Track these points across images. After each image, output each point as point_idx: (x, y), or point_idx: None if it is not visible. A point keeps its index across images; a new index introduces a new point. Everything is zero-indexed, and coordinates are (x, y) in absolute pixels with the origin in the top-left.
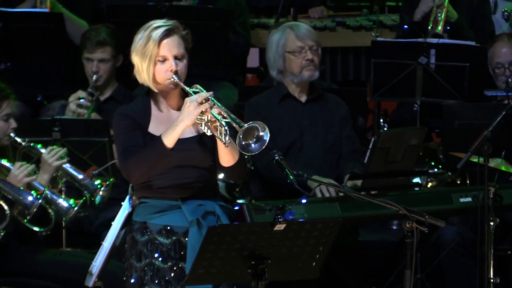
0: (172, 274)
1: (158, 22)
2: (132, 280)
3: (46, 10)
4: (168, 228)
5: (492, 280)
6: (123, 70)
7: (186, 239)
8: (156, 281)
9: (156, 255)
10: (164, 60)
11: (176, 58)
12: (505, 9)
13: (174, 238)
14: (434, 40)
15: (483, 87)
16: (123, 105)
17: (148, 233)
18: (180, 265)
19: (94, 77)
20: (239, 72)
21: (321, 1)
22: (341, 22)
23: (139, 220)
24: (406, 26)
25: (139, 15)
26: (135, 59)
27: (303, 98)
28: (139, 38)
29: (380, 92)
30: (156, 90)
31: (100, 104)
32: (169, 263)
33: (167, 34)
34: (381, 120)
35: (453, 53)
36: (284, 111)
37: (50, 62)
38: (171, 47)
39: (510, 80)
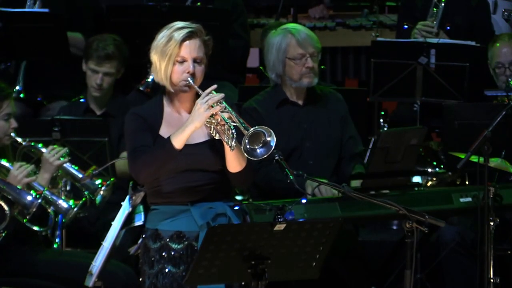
0: None
1: (182, 23)
2: (146, 286)
3: (46, 10)
4: (180, 233)
5: (492, 280)
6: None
7: (198, 243)
8: (169, 286)
9: (168, 260)
10: (183, 61)
11: (195, 61)
12: (505, 9)
13: (186, 242)
14: (434, 40)
15: (483, 87)
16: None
17: (160, 240)
18: None
19: None
20: (239, 72)
21: (320, 1)
22: (341, 22)
23: (150, 227)
24: (406, 26)
25: (139, 15)
26: (154, 57)
27: (301, 101)
28: (161, 37)
29: (380, 92)
30: (172, 90)
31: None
32: (182, 267)
33: (189, 36)
34: (381, 120)
35: (453, 53)
36: (282, 116)
37: (50, 62)
38: (191, 49)
39: (510, 80)
